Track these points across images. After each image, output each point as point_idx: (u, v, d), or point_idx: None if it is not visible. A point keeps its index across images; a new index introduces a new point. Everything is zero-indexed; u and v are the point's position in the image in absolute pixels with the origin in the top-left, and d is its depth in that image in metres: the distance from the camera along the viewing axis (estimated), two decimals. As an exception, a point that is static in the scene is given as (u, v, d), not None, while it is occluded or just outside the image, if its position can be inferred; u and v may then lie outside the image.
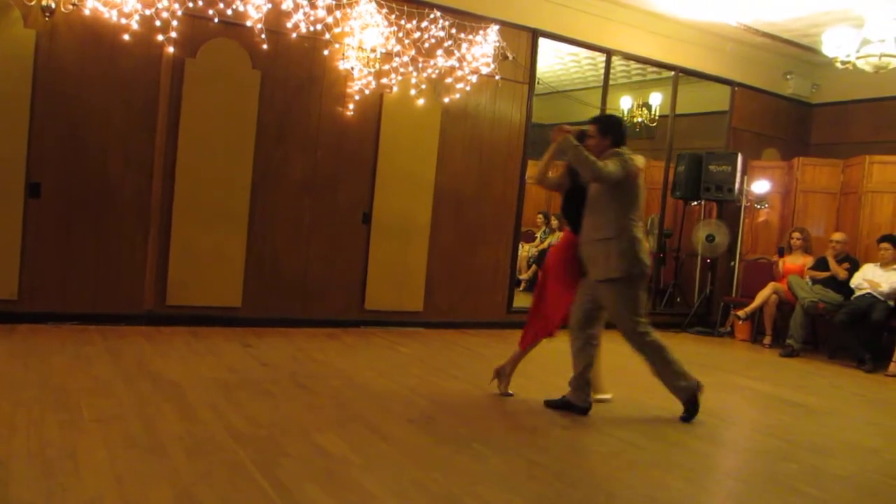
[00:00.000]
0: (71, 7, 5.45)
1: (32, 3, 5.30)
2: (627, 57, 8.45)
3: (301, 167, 6.50)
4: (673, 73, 8.80)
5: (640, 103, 10.02)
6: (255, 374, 4.87)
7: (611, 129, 4.54)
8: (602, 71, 8.46)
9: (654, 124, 9.81)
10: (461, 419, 4.27)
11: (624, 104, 10.16)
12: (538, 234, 10.54)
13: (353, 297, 6.82)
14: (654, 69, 9.17)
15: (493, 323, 7.47)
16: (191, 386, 4.36)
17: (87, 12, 5.55)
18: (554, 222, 10.36)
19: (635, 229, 4.40)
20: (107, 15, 5.59)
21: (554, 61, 9.49)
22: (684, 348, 7.66)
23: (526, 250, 10.07)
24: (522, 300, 8.67)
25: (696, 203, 9.28)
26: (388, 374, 5.20)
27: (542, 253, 9.96)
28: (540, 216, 10.68)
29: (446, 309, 7.26)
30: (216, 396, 4.16)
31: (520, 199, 7.65)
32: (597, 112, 8.71)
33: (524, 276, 9.97)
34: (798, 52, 9.01)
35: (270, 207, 6.39)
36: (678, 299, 9.30)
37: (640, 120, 10.00)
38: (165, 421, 3.71)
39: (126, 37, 5.66)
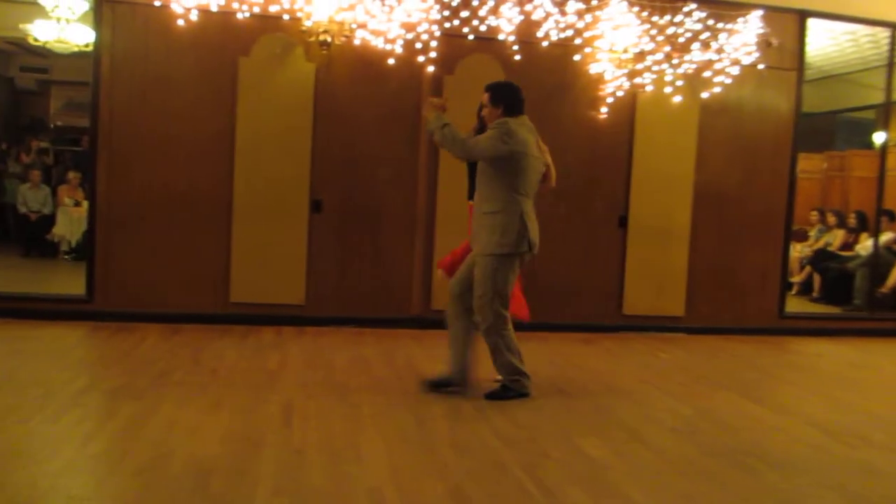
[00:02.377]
0: (344, 39, 5.99)
1: (312, 39, 5.90)
2: (917, 30, 7.47)
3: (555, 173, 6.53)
4: (976, 42, 7.62)
5: (936, 80, 8.80)
6: (515, 376, 4.97)
7: (503, 97, 4.33)
8: (885, 48, 7.57)
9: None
10: (730, 430, 4.03)
11: (914, 83, 8.99)
12: (812, 233, 9.64)
13: (609, 302, 6.73)
14: (952, 40, 8.00)
15: (763, 329, 6.96)
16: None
17: (357, 42, 6.06)
18: (831, 219, 9.41)
19: (523, 204, 4.26)
20: (374, 42, 6.07)
21: (826, 42, 8.64)
22: None
23: (798, 250, 9.26)
24: (795, 305, 8.03)
25: None
26: (648, 380, 5.06)
27: (817, 253, 9.10)
28: (814, 213, 9.76)
29: (709, 314, 6.89)
30: (481, 398, 4.31)
31: (790, 196, 7.06)
32: (880, 95, 7.83)
33: (797, 279, 9.17)
34: None
35: (526, 214, 6.51)
36: None
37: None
38: (434, 419, 3.92)
39: (391, 61, 6.10)
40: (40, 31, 8.11)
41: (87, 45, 7.70)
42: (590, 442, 3.68)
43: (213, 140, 6.02)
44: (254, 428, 3.61)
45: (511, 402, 4.28)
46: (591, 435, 3.80)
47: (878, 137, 9.01)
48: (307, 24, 5.82)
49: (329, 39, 5.87)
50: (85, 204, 7.55)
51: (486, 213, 4.27)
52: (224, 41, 5.96)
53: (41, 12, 7.96)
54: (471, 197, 4.56)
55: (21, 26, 8.24)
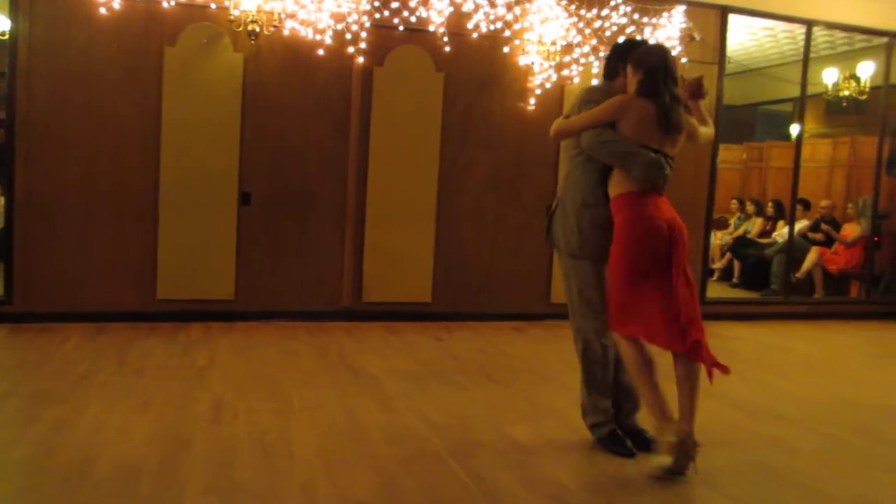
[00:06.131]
0: (272, 29, 5.91)
1: (240, 29, 5.81)
2: (831, 26, 7.80)
3: (485, 165, 6.62)
4: (886, 39, 8.01)
5: (847, 75, 9.21)
6: (446, 366, 5.04)
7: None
8: (801, 44, 7.88)
9: (865, 97, 8.98)
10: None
11: (828, 77, 9.39)
12: (732, 221, 10.01)
13: (538, 291, 6.85)
14: (864, 37, 8.39)
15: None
16: (387, 378, 4.60)
17: (286, 32, 5.99)
18: (749, 208, 9.79)
19: None
20: (303, 33, 6.01)
21: (746, 38, 8.95)
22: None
23: (719, 238, 9.62)
24: (716, 290, 8.35)
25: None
26: (577, 366, 5.17)
27: (737, 240, 9.46)
28: (734, 202, 10.13)
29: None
30: (411, 388, 4.36)
31: (711, 186, 7.30)
32: (796, 89, 8.16)
33: (717, 266, 9.52)
34: None
35: (456, 205, 6.57)
36: (897, 287, 8.47)
37: (847, 93, 9.20)
38: (366, 410, 3.95)
39: (320, 51, 6.05)
40: (-49, 19, 7.74)
41: (3, 35, 7.39)
42: (520, 429, 3.76)
43: (138, 133, 5.85)
44: (183, 426, 3.57)
45: (442, 392, 4.34)
46: (522, 422, 3.88)
47: (794, 129, 9.39)
48: (235, 13, 5.72)
49: (257, 29, 5.78)
50: (1, 199, 7.25)
51: None
52: (149, 30, 5.80)
53: (-49, -2, 7.60)
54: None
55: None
